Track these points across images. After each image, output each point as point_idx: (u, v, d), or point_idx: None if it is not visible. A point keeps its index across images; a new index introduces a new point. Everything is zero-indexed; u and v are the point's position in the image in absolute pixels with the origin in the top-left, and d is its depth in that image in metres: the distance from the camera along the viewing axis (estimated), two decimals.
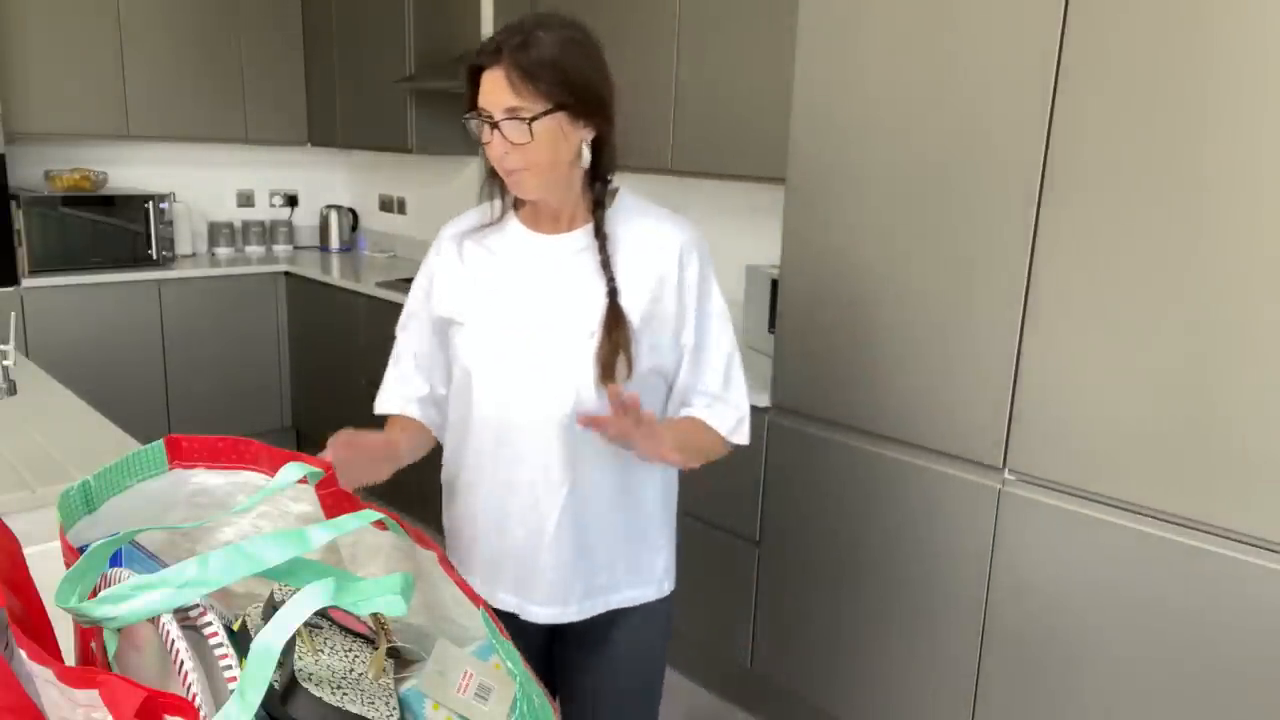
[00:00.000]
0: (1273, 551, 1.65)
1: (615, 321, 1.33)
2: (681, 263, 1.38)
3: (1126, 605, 1.82)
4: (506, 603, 1.45)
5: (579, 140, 1.32)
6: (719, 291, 1.44)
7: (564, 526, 1.39)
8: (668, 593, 1.53)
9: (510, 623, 1.45)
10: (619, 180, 1.45)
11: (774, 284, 2.66)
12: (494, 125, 1.27)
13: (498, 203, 1.43)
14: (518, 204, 1.44)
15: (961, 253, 1.99)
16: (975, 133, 1.94)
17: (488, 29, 3.92)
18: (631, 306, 1.35)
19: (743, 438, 1.47)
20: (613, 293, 1.35)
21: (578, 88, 1.28)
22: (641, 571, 1.49)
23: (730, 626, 2.62)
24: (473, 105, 1.30)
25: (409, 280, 4.52)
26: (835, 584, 2.34)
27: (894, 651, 2.24)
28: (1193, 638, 1.74)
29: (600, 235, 1.37)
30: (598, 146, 1.35)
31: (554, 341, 1.35)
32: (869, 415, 2.21)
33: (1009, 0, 1.86)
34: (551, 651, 1.55)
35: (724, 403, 1.44)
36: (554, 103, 1.26)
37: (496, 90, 1.26)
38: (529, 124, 1.26)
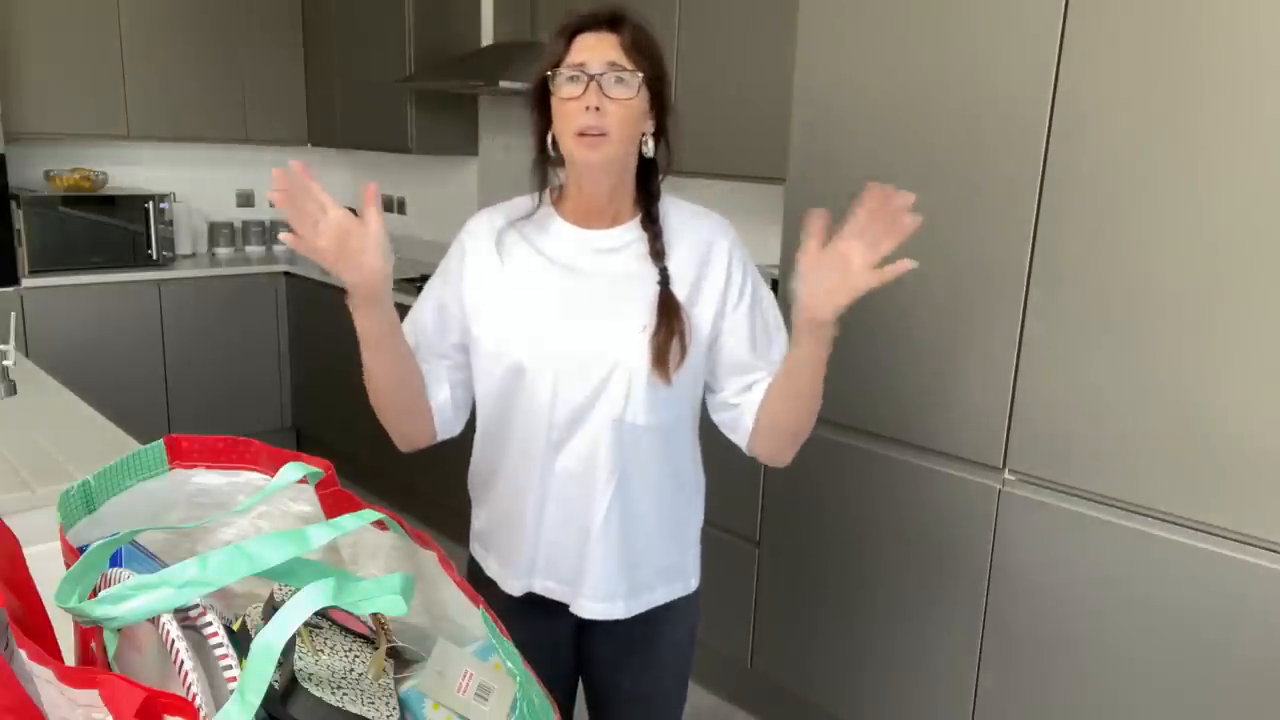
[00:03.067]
0: (1273, 551, 1.65)
1: (669, 308, 1.35)
2: (730, 255, 1.42)
3: (1126, 605, 1.82)
4: (555, 592, 1.45)
5: (643, 129, 1.36)
6: (765, 284, 1.46)
7: (611, 522, 1.39)
8: (695, 588, 1.53)
9: (544, 616, 1.45)
10: None
11: (774, 284, 2.66)
12: (592, 79, 1.29)
13: (534, 196, 1.43)
14: (558, 200, 1.44)
15: (962, 253, 1.99)
16: (975, 132, 1.94)
17: (488, 29, 3.92)
18: (679, 293, 1.37)
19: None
20: (664, 280, 1.36)
21: (665, 75, 1.37)
22: (676, 568, 1.49)
23: (730, 626, 2.62)
24: (556, 64, 1.32)
25: (409, 280, 4.50)
26: (835, 584, 2.34)
27: (894, 651, 2.24)
28: (1193, 637, 1.74)
29: (653, 225, 1.40)
30: (656, 141, 1.40)
31: (606, 337, 1.36)
32: (869, 415, 2.21)
33: (1010, 1, 1.86)
34: (584, 645, 1.54)
35: None
36: (651, 75, 1.33)
37: (603, 47, 1.31)
38: (639, 79, 1.31)
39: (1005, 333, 1.94)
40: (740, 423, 1.44)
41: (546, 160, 1.39)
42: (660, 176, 1.43)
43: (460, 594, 0.90)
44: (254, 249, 4.76)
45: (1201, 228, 1.66)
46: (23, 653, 0.64)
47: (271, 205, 4.90)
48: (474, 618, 0.89)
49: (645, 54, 1.32)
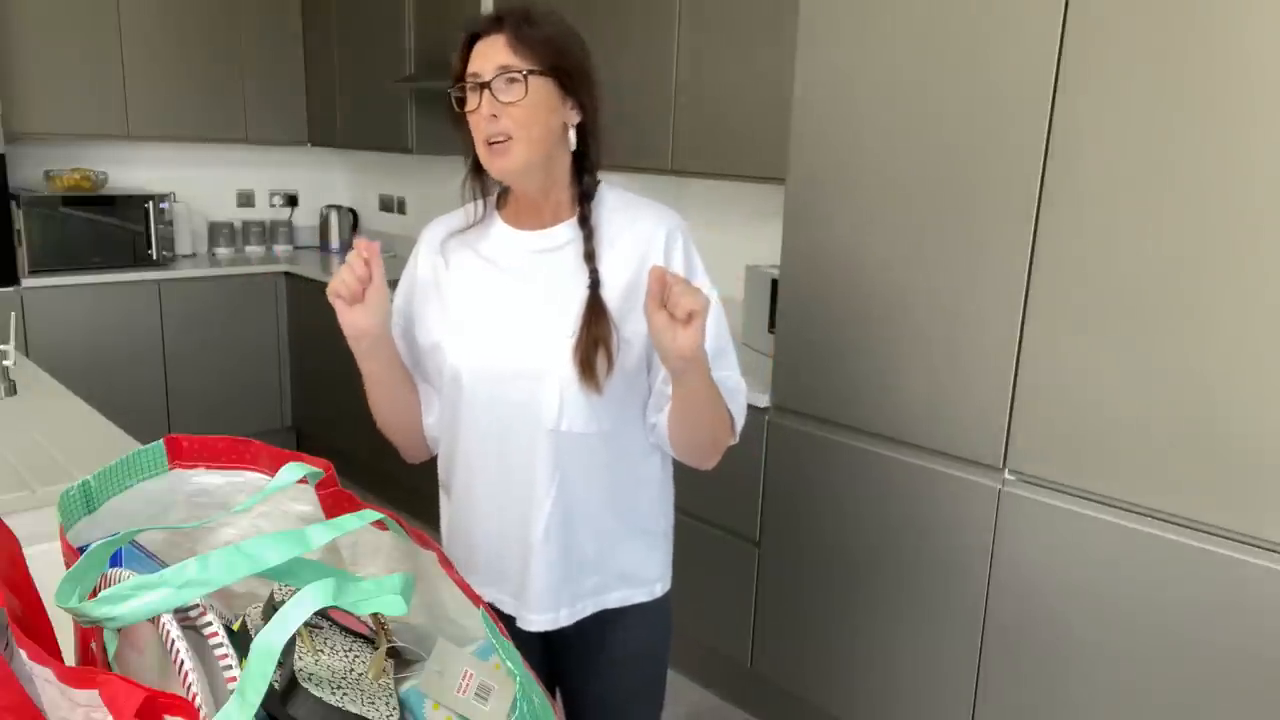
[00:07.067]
0: (1273, 551, 1.65)
1: (595, 315, 1.31)
2: (667, 249, 1.35)
3: (1126, 605, 1.82)
4: (506, 604, 1.44)
5: (564, 120, 1.31)
6: (709, 282, 1.39)
7: (551, 532, 1.37)
8: (661, 594, 1.51)
9: (508, 626, 1.44)
10: (609, 177, 1.43)
11: (774, 284, 2.66)
12: (484, 86, 1.26)
13: (479, 203, 1.41)
14: (500, 202, 1.42)
15: (962, 252, 1.99)
16: (975, 133, 1.94)
17: None
18: (613, 297, 1.33)
19: (737, 433, 1.43)
20: (594, 285, 1.32)
21: (570, 60, 1.31)
22: (634, 574, 1.47)
23: (730, 626, 2.62)
24: (460, 77, 1.30)
25: None
26: (835, 584, 2.34)
27: (894, 651, 2.24)
28: (1192, 637, 1.74)
29: (585, 226, 1.35)
30: (582, 135, 1.35)
31: (537, 344, 1.33)
32: (869, 415, 2.21)
33: (1010, 1, 1.86)
34: (549, 655, 1.54)
35: (724, 388, 1.38)
36: (547, 65, 1.28)
37: (492, 52, 1.27)
38: (525, 78, 1.26)
39: (1005, 333, 1.94)
40: (664, 438, 1.42)
41: (479, 169, 1.36)
42: (592, 169, 1.38)
43: (460, 594, 0.91)
44: (254, 249, 4.75)
45: (1201, 227, 1.66)
46: (23, 653, 0.64)
47: (284, 206, 4.90)
48: (474, 618, 0.89)
49: (534, 46, 1.27)
